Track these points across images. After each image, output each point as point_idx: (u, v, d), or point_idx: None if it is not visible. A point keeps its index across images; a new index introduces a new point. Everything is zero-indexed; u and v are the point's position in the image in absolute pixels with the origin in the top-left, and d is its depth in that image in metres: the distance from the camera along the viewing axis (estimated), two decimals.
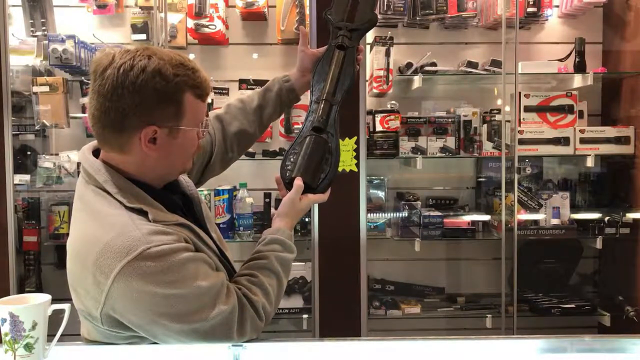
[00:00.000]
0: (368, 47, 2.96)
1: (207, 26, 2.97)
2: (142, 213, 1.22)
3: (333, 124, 1.50)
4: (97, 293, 1.17)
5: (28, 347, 1.15)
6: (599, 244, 2.98)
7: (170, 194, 1.34)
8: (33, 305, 1.16)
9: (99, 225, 1.21)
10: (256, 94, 1.70)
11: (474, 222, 3.04)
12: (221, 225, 2.89)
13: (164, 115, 1.22)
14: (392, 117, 2.93)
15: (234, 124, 1.65)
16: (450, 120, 3.01)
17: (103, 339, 1.26)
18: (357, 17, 1.65)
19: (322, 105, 1.51)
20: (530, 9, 2.96)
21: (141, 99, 1.19)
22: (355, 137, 2.34)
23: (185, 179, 1.43)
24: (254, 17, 3.08)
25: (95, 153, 1.33)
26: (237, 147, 1.67)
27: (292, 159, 1.49)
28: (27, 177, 2.91)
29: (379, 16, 2.99)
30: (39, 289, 2.95)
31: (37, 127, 2.92)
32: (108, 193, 1.24)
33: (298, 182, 1.44)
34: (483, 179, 3.19)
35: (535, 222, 3.01)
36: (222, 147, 1.64)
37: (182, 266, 1.17)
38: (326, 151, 1.48)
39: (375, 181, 3.13)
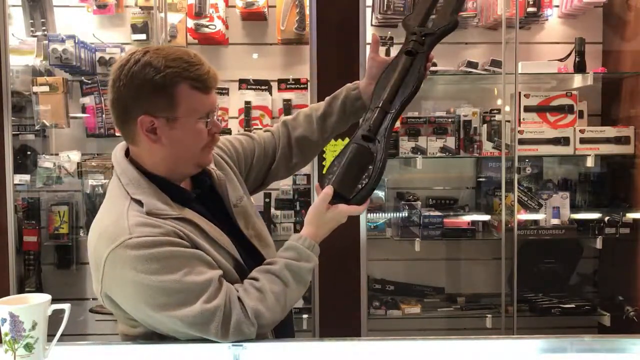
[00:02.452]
0: (368, 47, 2.96)
1: (207, 26, 2.97)
2: (142, 204, 1.27)
3: (384, 133, 1.42)
4: (98, 274, 1.25)
5: (28, 347, 1.15)
6: (599, 244, 2.98)
7: (181, 187, 1.35)
8: (33, 305, 1.16)
9: (105, 212, 1.31)
10: (325, 101, 1.64)
11: (474, 222, 3.04)
12: None
13: (156, 105, 1.26)
14: None
15: (298, 130, 1.63)
16: (450, 120, 3.01)
17: (118, 319, 1.34)
18: (435, 21, 1.54)
19: (376, 113, 1.43)
20: (530, 9, 2.96)
21: (134, 89, 1.25)
22: None
23: (218, 175, 1.43)
24: (254, 17, 3.08)
25: None
26: (301, 154, 1.64)
27: (334, 168, 1.42)
28: (27, 177, 2.91)
29: (379, 16, 2.99)
30: (39, 289, 2.95)
31: (37, 127, 2.92)
32: (122, 184, 1.30)
33: (326, 191, 1.39)
34: (483, 179, 3.19)
35: (535, 222, 3.01)
36: (287, 152, 1.63)
37: (163, 258, 1.20)
38: (369, 162, 1.40)
39: None
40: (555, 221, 3.00)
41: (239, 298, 1.26)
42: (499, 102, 3.08)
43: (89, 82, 3.01)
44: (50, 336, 1.20)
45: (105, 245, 1.21)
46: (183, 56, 1.26)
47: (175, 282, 1.20)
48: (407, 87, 1.47)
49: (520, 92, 2.97)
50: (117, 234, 1.21)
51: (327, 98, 1.64)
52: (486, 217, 3.08)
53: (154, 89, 1.24)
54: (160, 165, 1.32)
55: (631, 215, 2.96)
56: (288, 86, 3.06)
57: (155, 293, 1.20)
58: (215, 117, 1.35)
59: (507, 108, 2.97)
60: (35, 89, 2.89)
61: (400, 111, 1.46)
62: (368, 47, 2.91)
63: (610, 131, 2.97)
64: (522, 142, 2.93)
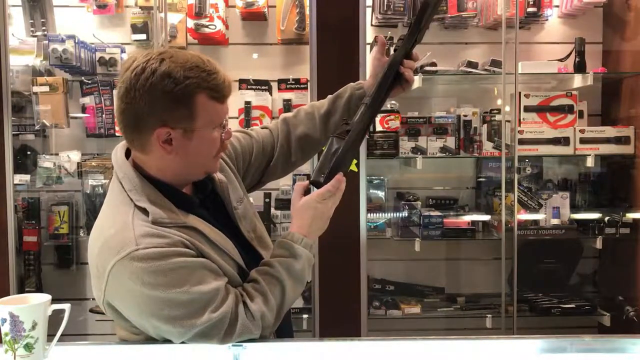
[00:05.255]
0: (368, 47, 2.96)
1: (207, 26, 2.97)
2: (147, 213, 1.24)
3: (354, 118, 1.44)
4: (100, 283, 1.22)
5: (28, 347, 1.15)
6: (599, 244, 2.98)
7: (185, 193, 1.34)
8: (33, 305, 1.16)
9: (107, 219, 1.28)
10: (328, 99, 1.63)
11: (474, 222, 3.04)
12: None
13: (175, 116, 1.23)
14: (392, 117, 2.93)
15: (300, 128, 1.61)
16: (450, 120, 3.01)
17: (117, 327, 1.33)
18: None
19: (360, 109, 1.46)
20: (530, 9, 2.96)
21: (151, 101, 1.21)
22: None
23: (220, 179, 1.42)
24: (254, 17, 3.08)
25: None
26: (301, 152, 1.63)
27: None
28: (27, 177, 2.91)
29: (379, 16, 3.00)
30: (39, 289, 2.95)
31: (37, 127, 2.92)
32: (125, 189, 1.28)
33: (298, 184, 1.42)
34: (483, 179, 3.19)
35: (535, 222, 3.01)
36: (285, 150, 1.61)
37: (170, 271, 1.18)
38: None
39: (375, 181, 3.13)
40: (555, 221, 3.00)
41: (243, 302, 1.25)
42: (499, 102, 3.08)
43: (89, 82, 3.01)
44: (50, 336, 1.20)
45: (110, 256, 1.19)
46: (199, 64, 1.24)
47: (183, 293, 1.18)
48: (385, 79, 1.49)
49: (520, 92, 2.97)
50: (123, 245, 1.18)
51: (329, 96, 1.63)
52: (486, 217, 3.08)
53: (174, 100, 1.22)
54: (168, 172, 1.30)
55: (631, 215, 2.96)
56: (288, 86, 3.06)
57: (163, 305, 1.18)
58: (227, 124, 1.33)
59: (507, 108, 2.97)
60: (35, 89, 2.89)
61: (373, 98, 1.46)
62: (368, 47, 2.94)
63: (610, 131, 2.98)
64: (522, 142, 2.93)
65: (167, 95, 1.21)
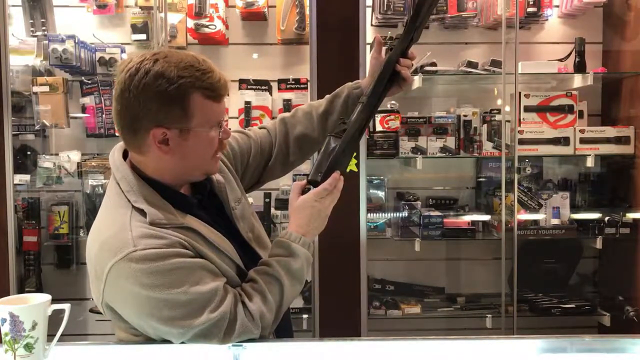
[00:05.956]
0: (368, 47, 2.96)
1: (207, 26, 2.97)
2: (144, 214, 1.24)
3: (352, 118, 1.45)
4: (98, 284, 1.23)
5: (28, 347, 1.15)
6: (599, 244, 2.98)
7: (183, 194, 1.34)
8: (33, 305, 1.16)
9: (105, 220, 1.29)
10: (325, 99, 1.64)
11: (474, 222, 3.04)
12: None
13: (170, 116, 1.23)
14: (392, 117, 2.93)
15: (298, 128, 1.61)
16: (450, 120, 3.01)
17: (116, 328, 1.32)
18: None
19: (357, 108, 1.47)
20: (530, 9, 2.96)
21: (146, 101, 1.21)
22: None
23: (218, 180, 1.42)
24: (254, 17, 3.08)
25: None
26: (299, 152, 1.63)
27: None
28: (27, 177, 2.91)
29: (379, 16, 2.99)
30: (39, 289, 2.95)
31: (37, 127, 2.92)
32: (122, 190, 1.27)
33: (295, 183, 1.42)
34: (483, 179, 3.19)
35: (535, 222, 3.01)
36: (284, 150, 1.61)
37: (168, 272, 1.18)
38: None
39: (375, 181, 3.13)
40: (555, 221, 3.00)
41: (242, 302, 1.25)
42: (499, 102, 3.08)
43: (89, 82, 3.01)
44: (50, 336, 1.20)
45: (108, 257, 1.19)
46: (194, 63, 1.24)
47: (181, 294, 1.18)
48: (382, 77, 1.50)
49: (520, 92, 2.97)
50: (121, 246, 1.18)
51: (327, 96, 1.63)
52: (486, 217, 3.08)
53: (168, 100, 1.22)
54: (165, 173, 1.30)
55: (631, 215, 2.96)
56: (288, 86, 3.05)
57: (162, 306, 1.18)
58: (225, 123, 1.33)
59: (507, 108, 2.97)
60: (35, 89, 2.89)
61: (370, 97, 1.47)
62: (368, 47, 2.93)
63: (610, 131, 2.97)
64: (522, 142, 2.93)
65: (160, 95, 1.21)
